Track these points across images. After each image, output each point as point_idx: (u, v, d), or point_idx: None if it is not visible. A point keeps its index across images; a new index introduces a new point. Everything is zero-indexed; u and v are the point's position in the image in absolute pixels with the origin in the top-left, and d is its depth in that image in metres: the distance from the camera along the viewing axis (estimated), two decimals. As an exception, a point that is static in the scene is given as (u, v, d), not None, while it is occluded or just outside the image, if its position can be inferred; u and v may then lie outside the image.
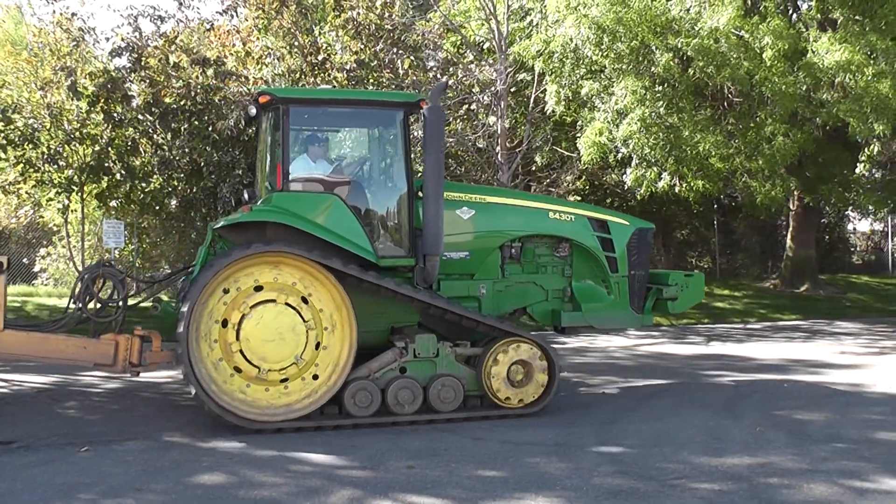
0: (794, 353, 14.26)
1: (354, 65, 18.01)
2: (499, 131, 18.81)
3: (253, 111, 9.21)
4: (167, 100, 17.44)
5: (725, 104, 18.05)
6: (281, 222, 8.52)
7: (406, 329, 9.20)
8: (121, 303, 9.00)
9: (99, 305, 9.08)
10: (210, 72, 17.55)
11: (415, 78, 18.85)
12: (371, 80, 18.69)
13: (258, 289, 8.33)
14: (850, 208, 28.57)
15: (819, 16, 17.44)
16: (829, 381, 11.29)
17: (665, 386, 11.11)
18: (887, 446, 7.87)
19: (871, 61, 15.05)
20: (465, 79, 19.62)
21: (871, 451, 7.66)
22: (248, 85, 17.84)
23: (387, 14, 18.45)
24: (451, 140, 19.07)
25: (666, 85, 16.65)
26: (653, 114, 16.69)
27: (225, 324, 8.23)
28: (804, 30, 16.72)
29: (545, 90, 17.79)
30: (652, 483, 6.64)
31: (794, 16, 19.36)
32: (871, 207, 24.34)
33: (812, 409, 9.53)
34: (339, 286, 8.47)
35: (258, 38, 18.70)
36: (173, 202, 18.74)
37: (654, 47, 15.98)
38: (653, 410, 9.38)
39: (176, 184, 18.22)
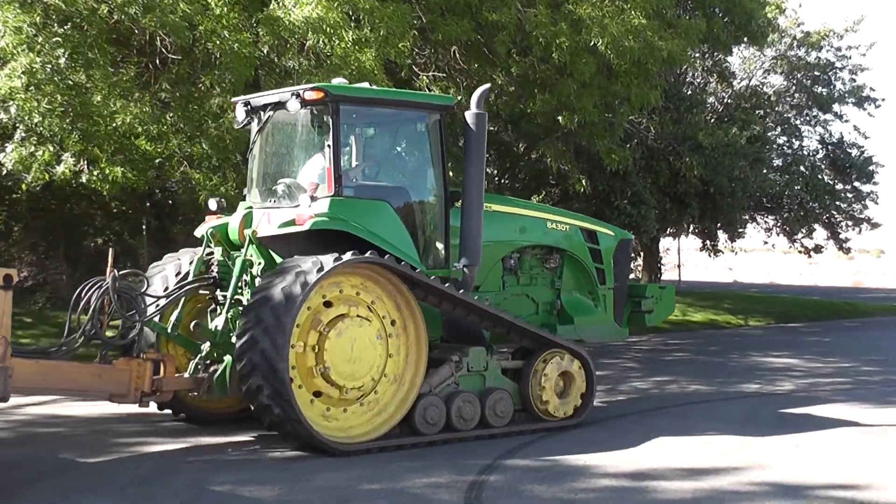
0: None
1: None
2: None
3: (297, 106, 8.89)
4: None
5: (158, 62, 14.49)
6: (344, 230, 8.56)
7: (435, 343, 9.49)
8: (137, 323, 8.59)
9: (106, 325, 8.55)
10: None
11: None
12: None
13: (327, 304, 8.53)
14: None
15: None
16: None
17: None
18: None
19: (353, 23, 12.77)
20: None
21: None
22: None
23: None
24: None
25: (70, 25, 12.85)
26: (48, 66, 12.63)
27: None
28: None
29: None
30: None
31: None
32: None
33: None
34: (412, 296, 8.82)
35: None
36: None
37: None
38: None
39: None
